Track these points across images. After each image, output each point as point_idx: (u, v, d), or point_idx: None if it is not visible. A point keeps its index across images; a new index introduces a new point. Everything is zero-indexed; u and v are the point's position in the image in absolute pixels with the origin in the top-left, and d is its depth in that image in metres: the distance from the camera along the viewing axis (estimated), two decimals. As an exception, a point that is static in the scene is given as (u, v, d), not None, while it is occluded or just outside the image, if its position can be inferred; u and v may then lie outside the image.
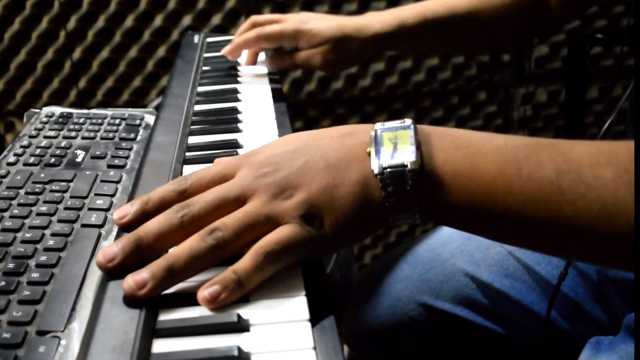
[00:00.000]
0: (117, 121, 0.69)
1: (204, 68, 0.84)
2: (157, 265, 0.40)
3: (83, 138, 0.65)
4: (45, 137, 0.65)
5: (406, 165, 0.41)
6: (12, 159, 0.60)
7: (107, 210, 0.51)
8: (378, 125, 0.44)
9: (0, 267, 0.44)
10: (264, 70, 0.84)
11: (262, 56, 0.90)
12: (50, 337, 0.38)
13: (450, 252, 0.79)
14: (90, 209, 0.51)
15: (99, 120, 0.69)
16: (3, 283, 0.42)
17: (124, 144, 0.64)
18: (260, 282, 0.40)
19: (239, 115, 0.68)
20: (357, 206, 0.42)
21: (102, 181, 0.56)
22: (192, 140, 0.63)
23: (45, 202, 0.52)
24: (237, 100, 0.74)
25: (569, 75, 1.31)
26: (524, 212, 0.40)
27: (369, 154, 0.43)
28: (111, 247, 0.42)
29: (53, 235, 0.47)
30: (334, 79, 1.39)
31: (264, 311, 0.39)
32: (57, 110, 0.72)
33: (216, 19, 1.31)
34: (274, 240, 0.41)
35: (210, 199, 0.43)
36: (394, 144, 0.42)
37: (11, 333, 0.38)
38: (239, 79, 0.81)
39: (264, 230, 0.41)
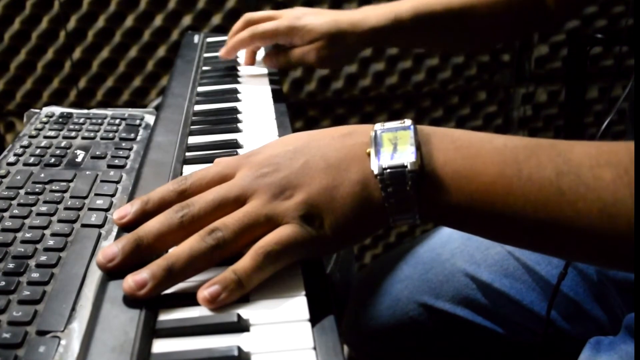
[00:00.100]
0: (117, 121, 0.69)
1: (204, 68, 0.84)
2: (157, 265, 0.40)
3: (83, 138, 0.65)
4: (45, 137, 0.65)
5: (406, 166, 0.41)
6: (12, 159, 0.60)
7: (107, 210, 0.51)
8: (378, 126, 0.44)
9: (0, 267, 0.44)
10: (264, 70, 0.84)
11: (261, 54, 0.90)
12: (50, 337, 0.38)
13: (450, 252, 0.79)
14: (90, 209, 0.51)
15: (99, 120, 0.69)
16: (3, 283, 0.42)
17: (124, 144, 0.64)
18: (260, 282, 0.40)
19: (239, 115, 0.69)
20: (357, 206, 0.42)
21: (102, 181, 0.56)
22: (192, 140, 0.63)
23: (45, 202, 0.52)
24: (237, 100, 0.74)
25: (569, 75, 1.31)
26: (523, 212, 0.40)
27: (368, 154, 0.43)
28: (111, 247, 0.42)
29: (53, 235, 0.47)
30: (334, 79, 1.39)
31: (264, 311, 0.39)
32: (57, 110, 0.72)
33: (216, 19, 1.31)
34: (274, 240, 0.41)
35: (210, 199, 0.43)
36: (393, 145, 0.42)
37: (11, 333, 0.38)
38: (239, 79, 0.81)
39: (264, 231, 0.41)
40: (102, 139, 0.65)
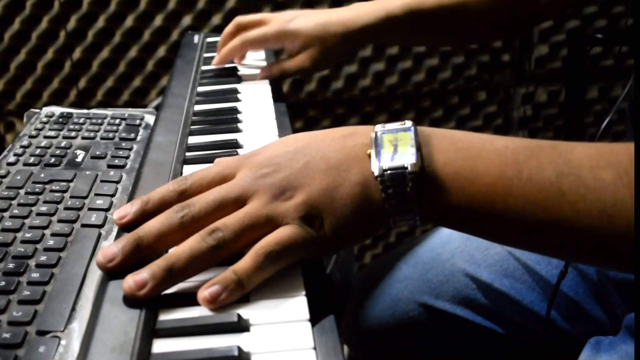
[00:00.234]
0: (117, 121, 0.69)
1: (204, 68, 0.84)
2: (157, 266, 0.40)
3: (83, 138, 0.65)
4: (45, 137, 0.65)
5: (406, 167, 0.41)
6: (12, 159, 0.60)
7: (107, 210, 0.51)
8: (378, 127, 0.44)
9: (0, 267, 0.44)
10: (264, 70, 0.84)
11: (261, 54, 0.90)
12: (50, 337, 0.38)
13: (450, 252, 0.79)
14: (90, 209, 0.51)
15: (99, 120, 0.69)
16: (3, 283, 0.42)
17: (124, 144, 0.64)
18: (260, 282, 0.40)
19: (239, 115, 0.68)
20: (357, 207, 0.42)
21: (102, 181, 0.56)
22: (192, 140, 0.63)
23: (45, 202, 0.52)
24: (237, 100, 0.74)
25: (569, 75, 1.31)
26: (524, 213, 0.40)
27: (369, 155, 0.43)
28: (111, 247, 0.42)
29: (53, 235, 0.47)
30: (334, 79, 1.39)
31: (264, 311, 0.39)
32: (57, 110, 0.72)
33: (216, 19, 1.31)
34: (274, 240, 0.41)
35: (211, 199, 0.43)
36: (394, 146, 0.42)
37: (11, 333, 0.38)
38: (239, 79, 0.81)
39: (264, 231, 0.41)
40: (102, 139, 0.65)
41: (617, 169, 0.39)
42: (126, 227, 0.44)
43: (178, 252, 0.40)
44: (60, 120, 0.69)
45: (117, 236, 0.45)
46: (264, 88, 0.77)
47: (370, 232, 0.45)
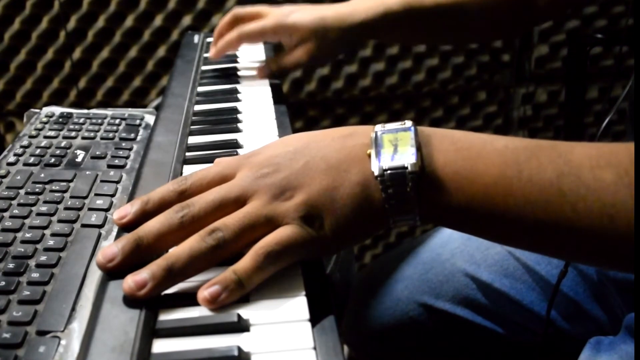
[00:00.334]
0: (117, 121, 0.69)
1: (204, 68, 0.84)
2: (156, 266, 0.40)
3: (83, 138, 0.65)
4: (45, 137, 0.65)
5: (406, 167, 0.41)
6: (12, 159, 0.60)
7: (107, 210, 0.51)
8: (378, 127, 0.44)
9: (0, 267, 0.44)
10: (264, 70, 0.84)
11: (261, 53, 0.90)
12: (50, 337, 0.38)
13: (450, 252, 0.79)
14: (90, 209, 0.51)
15: (99, 120, 0.69)
16: (3, 283, 0.42)
17: (124, 144, 0.64)
18: (260, 282, 0.40)
19: (239, 115, 0.68)
20: (357, 207, 0.42)
21: (102, 181, 0.56)
22: (192, 140, 0.63)
23: (45, 202, 0.52)
24: (237, 100, 0.74)
25: (569, 75, 1.31)
26: (524, 214, 0.40)
27: (369, 155, 0.43)
28: (111, 247, 0.42)
29: (53, 235, 0.47)
30: (334, 79, 1.39)
31: (264, 311, 0.39)
32: (57, 110, 0.72)
33: (216, 19, 1.31)
34: (274, 240, 0.41)
35: (211, 199, 0.43)
36: (394, 146, 0.42)
37: (11, 333, 0.38)
38: (239, 79, 0.81)
39: (265, 231, 0.41)
40: (102, 139, 0.65)
41: (617, 169, 0.39)
42: (126, 227, 0.45)
43: (178, 252, 0.40)
44: (60, 120, 0.69)
45: (117, 236, 0.45)
46: (264, 88, 0.77)
47: (370, 232, 0.45)
